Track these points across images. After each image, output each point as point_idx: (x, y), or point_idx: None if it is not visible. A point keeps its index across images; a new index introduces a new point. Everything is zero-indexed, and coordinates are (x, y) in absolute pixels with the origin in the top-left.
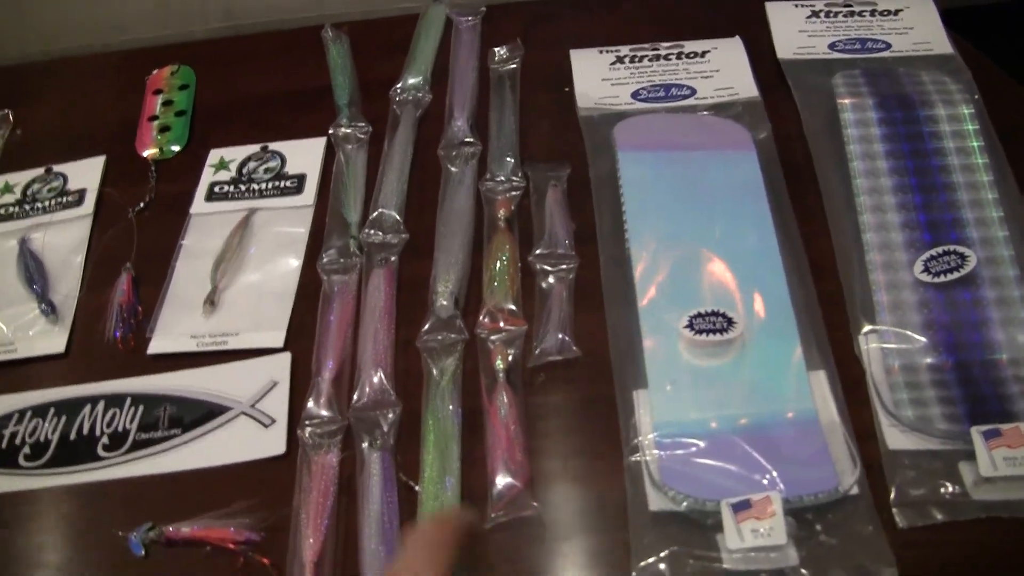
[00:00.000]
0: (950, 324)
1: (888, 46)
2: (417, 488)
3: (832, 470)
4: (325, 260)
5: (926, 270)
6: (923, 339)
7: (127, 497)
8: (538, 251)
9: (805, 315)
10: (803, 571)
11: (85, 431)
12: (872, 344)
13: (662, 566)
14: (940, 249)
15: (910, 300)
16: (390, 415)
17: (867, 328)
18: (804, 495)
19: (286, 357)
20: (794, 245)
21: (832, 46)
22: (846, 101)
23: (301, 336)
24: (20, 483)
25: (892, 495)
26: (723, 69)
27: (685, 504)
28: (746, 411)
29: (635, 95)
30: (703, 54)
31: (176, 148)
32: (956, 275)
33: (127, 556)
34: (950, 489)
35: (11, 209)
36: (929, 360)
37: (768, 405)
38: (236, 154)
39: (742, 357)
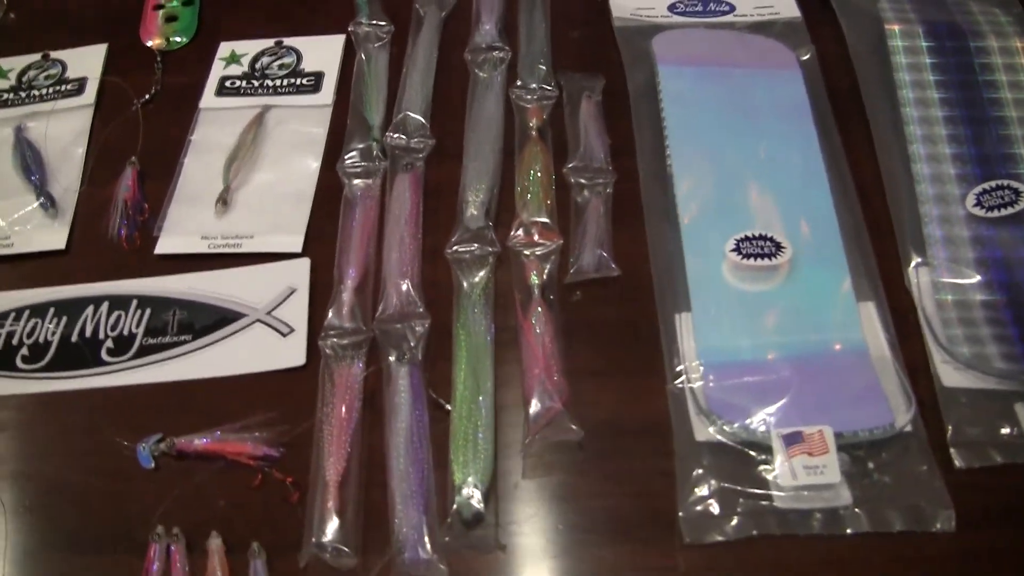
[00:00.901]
0: (1003, 261)
1: None
2: (448, 407)
3: (886, 405)
4: (347, 163)
5: (979, 204)
6: (977, 275)
7: (134, 405)
8: (572, 164)
9: (854, 243)
10: (857, 511)
11: (88, 333)
12: (923, 277)
13: (711, 502)
14: (994, 183)
15: (962, 235)
16: (418, 328)
17: (917, 260)
18: (859, 430)
19: (305, 263)
20: (840, 170)
21: None
22: (895, 27)
23: (320, 242)
24: (18, 386)
25: (949, 434)
26: None
27: (733, 433)
28: (793, 340)
29: (672, 8)
30: None
31: (183, 39)
32: (1010, 210)
33: (134, 468)
34: (1008, 430)
35: (5, 96)
36: (982, 297)
37: (816, 335)
38: (248, 48)
39: (788, 284)
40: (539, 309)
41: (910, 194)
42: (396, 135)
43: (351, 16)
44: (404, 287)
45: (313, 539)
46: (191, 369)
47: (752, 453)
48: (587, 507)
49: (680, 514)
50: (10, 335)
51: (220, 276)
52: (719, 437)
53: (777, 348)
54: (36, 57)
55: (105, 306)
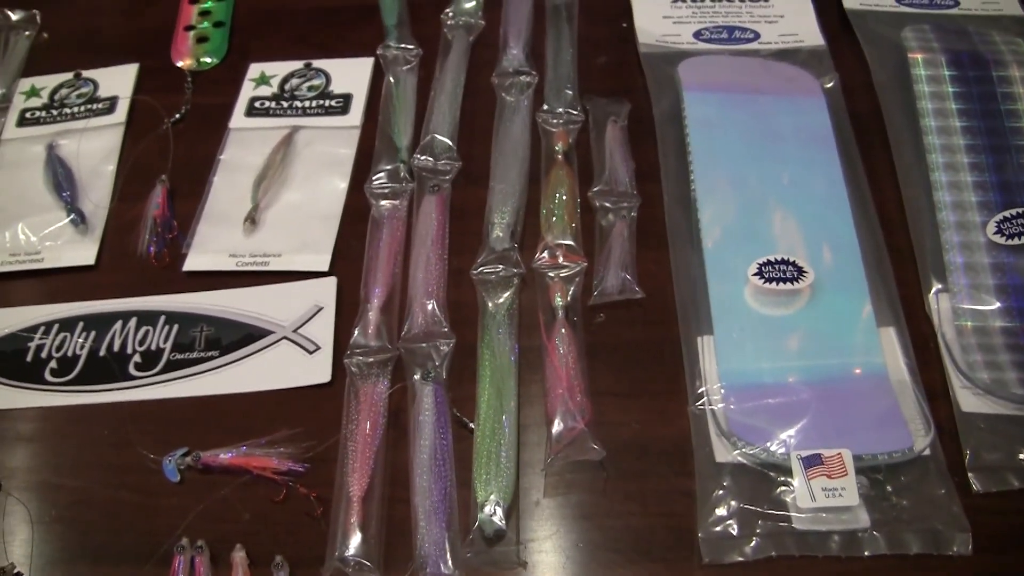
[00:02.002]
0: (1023, 288)
1: (956, 3)
2: (471, 425)
3: (906, 429)
4: (374, 184)
5: (999, 232)
6: (997, 302)
7: (161, 420)
8: (597, 188)
9: (875, 269)
10: (875, 533)
11: (116, 348)
12: (943, 304)
13: (731, 523)
14: (1015, 211)
15: (983, 262)
16: (443, 347)
17: (938, 287)
18: (878, 454)
19: (331, 282)
20: (863, 196)
21: None
22: (918, 56)
23: (347, 261)
24: (46, 399)
25: (967, 458)
26: (787, 15)
27: (753, 455)
28: (814, 363)
29: (697, 35)
30: None
31: (213, 60)
32: None
33: (160, 481)
34: None
35: (37, 113)
36: (1002, 324)
37: (836, 359)
38: (278, 69)
39: (810, 308)
40: (563, 330)
41: (931, 221)
42: (423, 157)
43: (380, 39)
44: (429, 307)
45: (336, 553)
46: (218, 384)
47: (772, 475)
48: (607, 526)
49: (699, 534)
50: (39, 348)
51: (247, 293)
52: (739, 458)
53: (798, 371)
54: (68, 76)
55: (133, 321)
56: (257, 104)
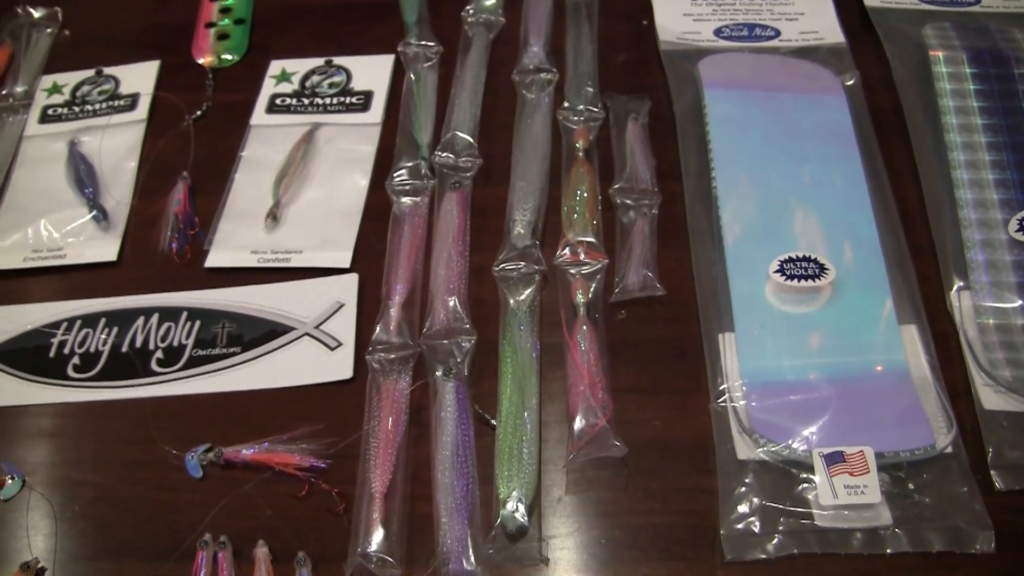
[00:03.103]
0: None
1: (977, 0)
2: (493, 422)
3: (927, 426)
4: (395, 180)
5: (1021, 229)
6: (1019, 300)
7: (182, 416)
8: (618, 185)
9: (896, 266)
10: (897, 531)
11: (138, 344)
12: (965, 301)
13: (753, 520)
14: None
15: (1005, 259)
16: (464, 344)
17: (959, 284)
18: (900, 451)
19: (353, 278)
20: (884, 194)
21: None
22: (939, 53)
23: (368, 258)
24: (69, 395)
25: (989, 456)
26: (808, 13)
27: (775, 452)
28: (835, 360)
29: (717, 32)
30: None
31: (234, 57)
32: None
33: (182, 477)
34: None
35: (59, 110)
36: None
37: (858, 356)
38: (299, 66)
39: (831, 305)
40: (584, 327)
41: (953, 218)
42: (444, 154)
43: (400, 36)
44: (451, 303)
45: (358, 549)
46: (240, 381)
47: (794, 472)
48: (629, 523)
49: (721, 532)
50: (62, 344)
51: (269, 290)
52: (761, 456)
53: (819, 369)
54: (90, 73)
55: (155, 317)
56: (278, 101)
